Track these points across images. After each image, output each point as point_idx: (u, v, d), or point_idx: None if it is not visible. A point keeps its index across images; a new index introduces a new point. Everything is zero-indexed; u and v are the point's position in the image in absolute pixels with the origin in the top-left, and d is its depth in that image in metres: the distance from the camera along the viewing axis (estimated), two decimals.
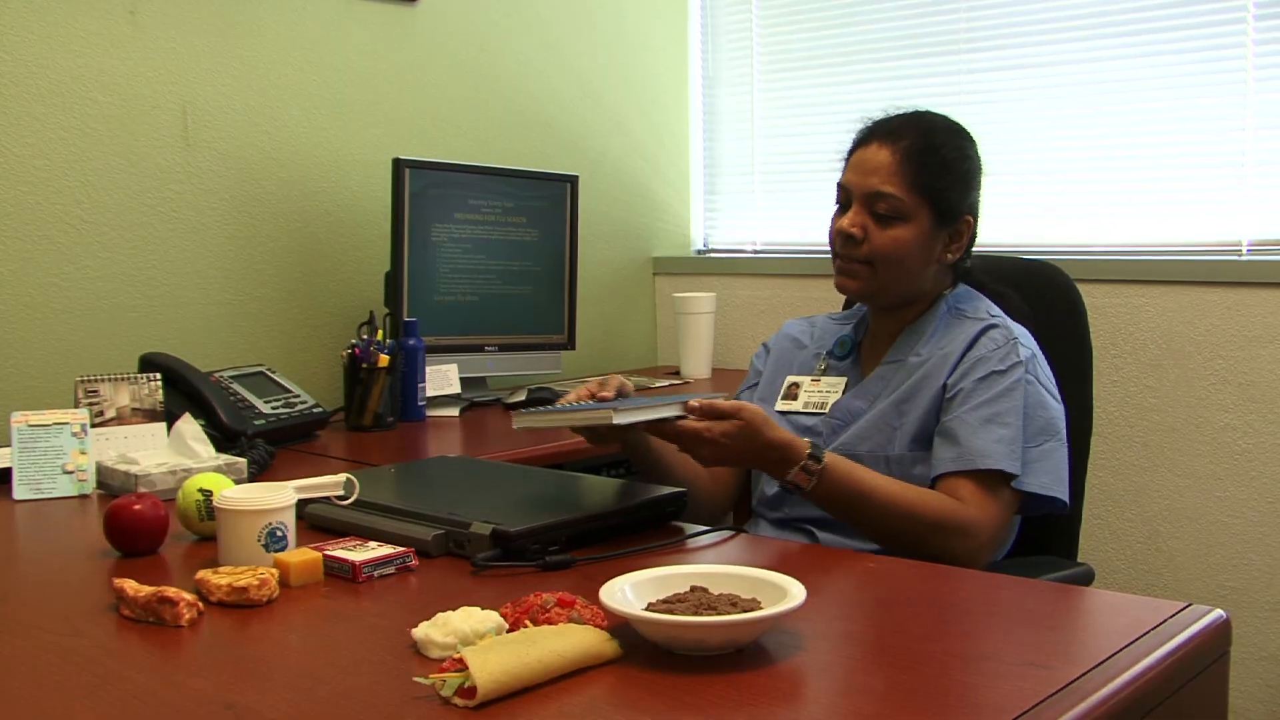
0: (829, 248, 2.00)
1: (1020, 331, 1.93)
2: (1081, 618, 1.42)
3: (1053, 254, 3.00)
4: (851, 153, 1.99)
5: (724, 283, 3.67)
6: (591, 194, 3.40)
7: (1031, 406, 1.85)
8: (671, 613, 1.20)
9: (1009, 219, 3.22)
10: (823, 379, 2.06)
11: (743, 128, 3.83)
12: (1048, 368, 1.93)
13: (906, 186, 1.91)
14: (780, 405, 2.07)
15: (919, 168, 1.92)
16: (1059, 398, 1.91)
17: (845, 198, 1.98)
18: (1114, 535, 3.00)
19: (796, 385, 2.08)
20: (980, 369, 1.87)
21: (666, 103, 3.85)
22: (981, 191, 2.01)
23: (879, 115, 2.01)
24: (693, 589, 1.27)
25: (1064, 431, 1.89)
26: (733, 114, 3.86)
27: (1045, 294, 2.17)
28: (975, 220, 1.99)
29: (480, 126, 3.28)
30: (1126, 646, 1.22)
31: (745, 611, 1.20)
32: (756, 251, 3.78)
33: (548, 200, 3.13)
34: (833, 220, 1.99)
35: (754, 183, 3.81)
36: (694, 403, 1.73)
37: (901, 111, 2.00)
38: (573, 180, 3.18)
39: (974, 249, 2.03)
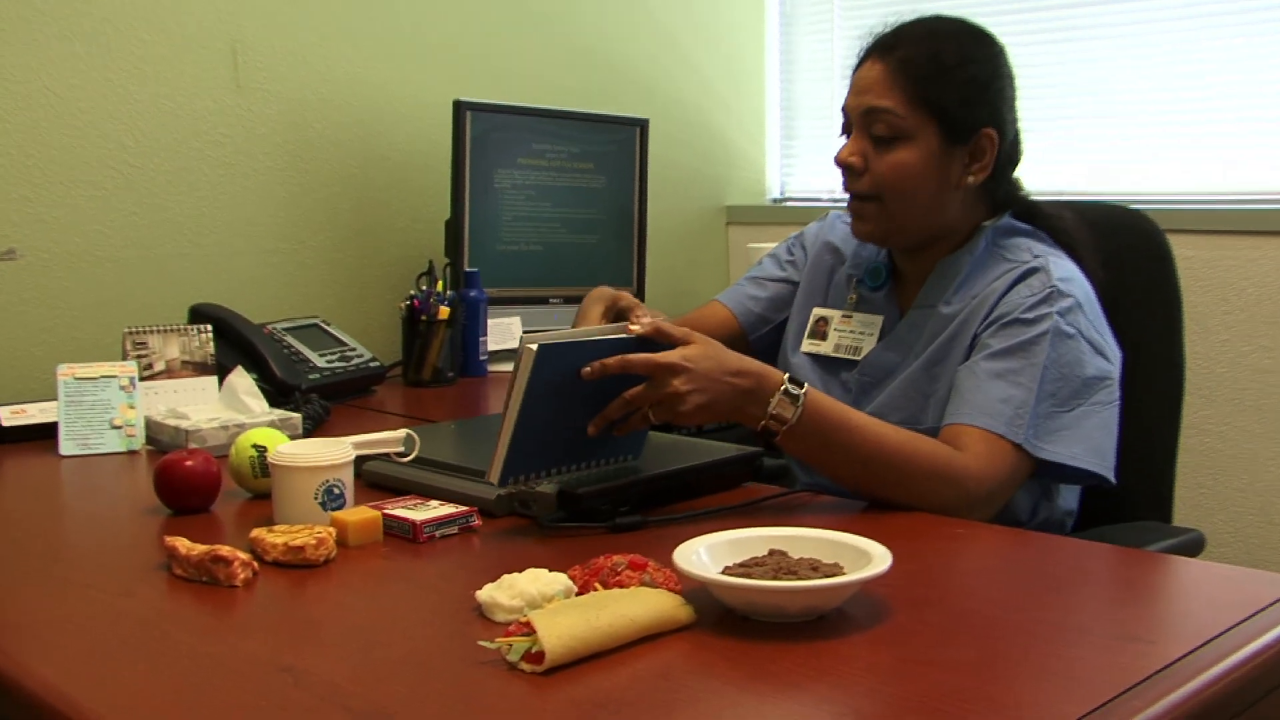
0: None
1: (1066, 275, 1.79)
2: (1187, 590, 1.41)
3: (1155, 204, 2.95)
4: (852, 74, 1.88)
5: None
6: (662, 138, 3.39)
7: (1065, 365, 1.72)
8: (749, 577, 1.20)
9: (1109, 166, 3.17)
10: (854, 316, 1.96)
11: (822, 69, 3.79)
12: (1100, 319, 1.80)
13: (903, 100, 1.79)
14: (807, 346, 1.99)
15: (915, 77, 1.79)
16: (1113, 354, 1.78)
17: (845, 127, 1.87)
18: (1222, 505, 2.97)
19: (825, 321, 1.98)
20: (1006, 317, 1.75)
21: (741, 42, 3.82)
22: (1011, 102, 1.87)
23: (879, 29, 1.87)
24: (771, 552, 1.27)
25: (1112, 394, 1.75)
26: (811, 54, 3.82)
27: (1125, 243, 2.07)
28: (1001, 134, 1.85)
29: (545, 67, 3.27)
30: (1238, 624, 1.20)
31: (827, 576, 1.20)
32: (835, 201, 3.75)
33: (616, 145, 3.12)
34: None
35: (833, 127, 3.76)
36: (637, 326, 1.59)
37: (902, 21, 1.87)
38: (642, 124, 3.17)
39: (1029, 187, 1.92)
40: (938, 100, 1.80)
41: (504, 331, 2.87)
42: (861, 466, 1.63)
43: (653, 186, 3.22)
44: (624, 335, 1.58)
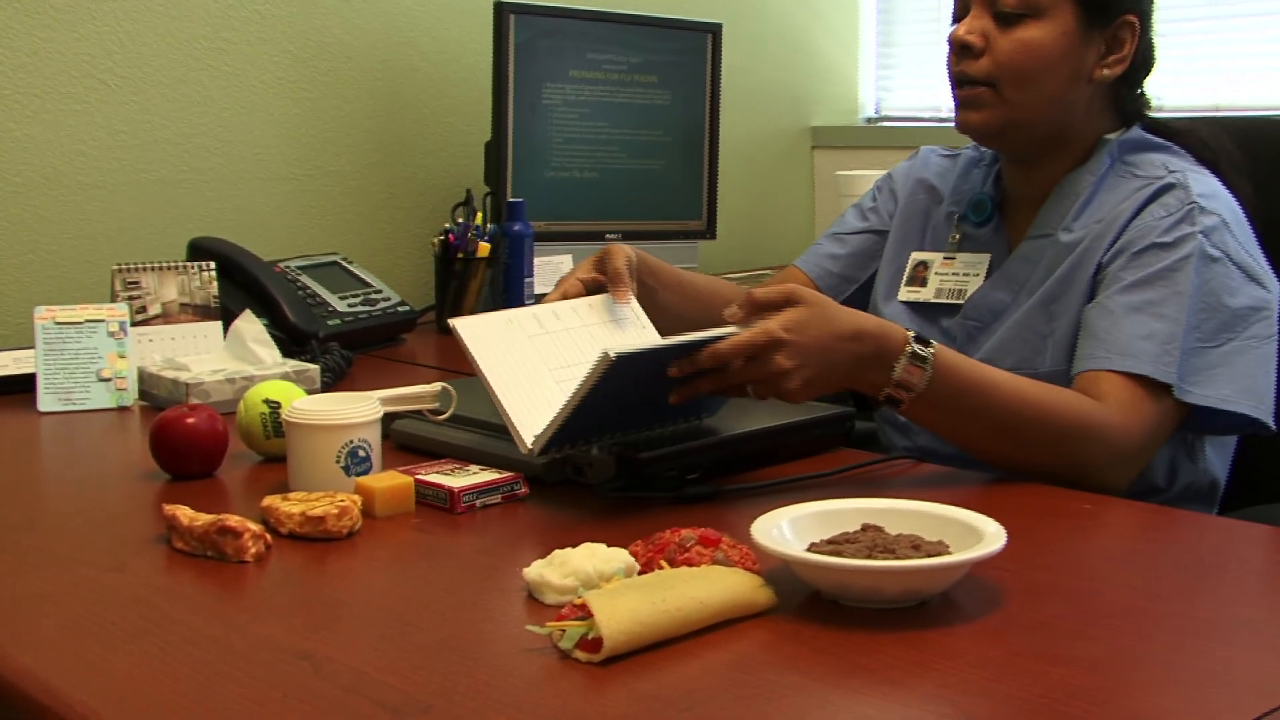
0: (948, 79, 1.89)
1: (1208, 191, 1.77)
2: None
3: None
4: None
5: (900, 160, 3.61)
6: (737, 47, 3.37)
7: (1210, 294, 1.71)
8: (840, 555, 1.20)
9: (1250, 75, 3.12)
10: (958, 257, 1.97)
11: None
12: (1252, 241, 1.78)
13: None
14: (904, 294, 2.00)
15: None
16: (1270, 281, 1.76)
17: (962, 7, 1.88)
18: None
19: (925, 266, 1.99)
20: (1140, 242, 1.75)
21: None
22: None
23: None
24: (865, 527, 1.28)
25: (1270, 327, 1.73)
26: None
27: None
28: (1143, 25, 1.85)
29: None
30: None
31: (930, 556, 1.20)
32: (942, 120, 3.73)
33: (684, 55, 3.11)
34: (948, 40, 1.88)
35: (941, 31, 3.73)
36: (733, 309, 1.57)
37: None
38: (714, 30, 3.16)
39: (1160, 104, 1.91)
40: None
41: (552, 271, 2.88)
42: (998, 430, 1.63)
43: (726, 103, 3.21)
44: (714, 335, 1.53)
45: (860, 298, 2.09)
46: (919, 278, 1.99)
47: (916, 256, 2.02)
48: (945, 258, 1.98)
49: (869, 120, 3.92)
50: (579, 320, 1.71)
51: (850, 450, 1.75)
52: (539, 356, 1.63)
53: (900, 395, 1.58)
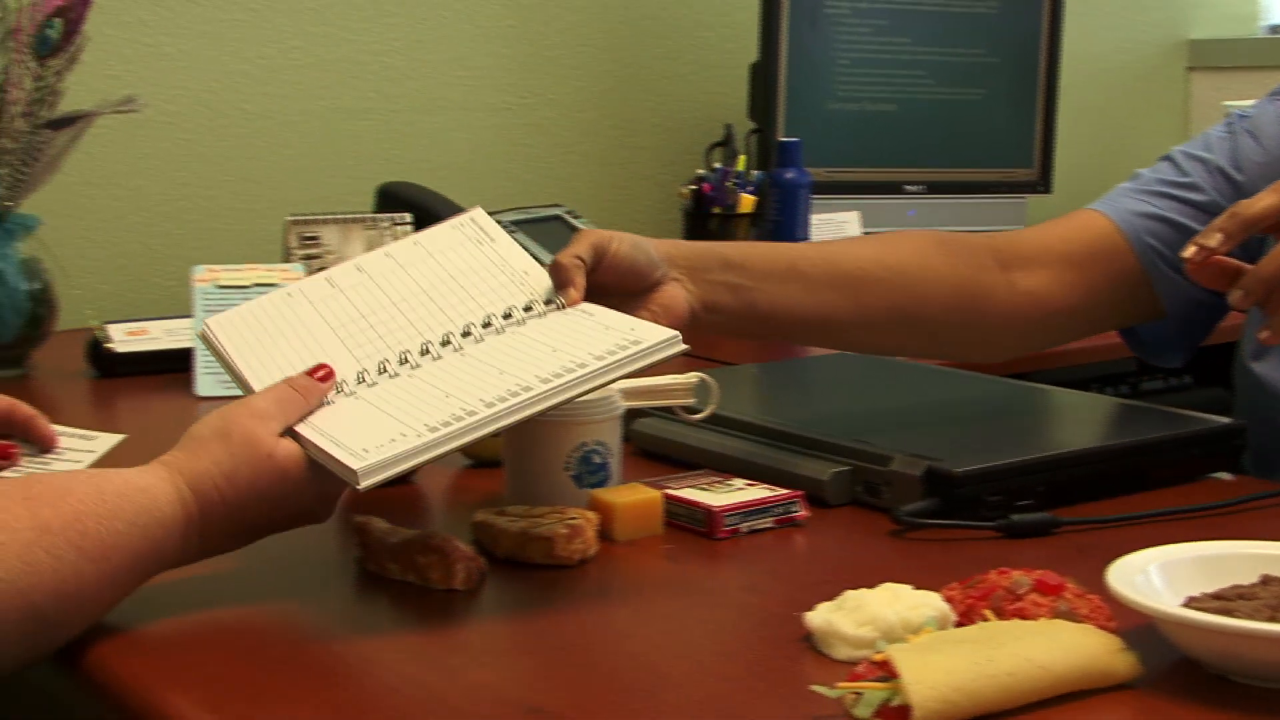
0: None
1: None
2: None
3: None
4: None
5: None
6: None
7: None
8: (1230, 614, 1.18)
9: None
10: None
11: None
12: None
13: None
14: None
15: None
16: None
17: None
18: None
19: None
20: None
21: None
22: None
23: None
24: (1266, 580, 1.25)
25: None
26: None
27: None
28: None
29: None
30: None
31: None
32: None
33: None
34: None
35: None
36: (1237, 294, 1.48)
37: None
38: None
39: None
40: None
41: (835, 231, 2.88)
42: None
43: (1071, 11, 3.17)
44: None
45: (1197, 315, 1.89)
46: None
47: None
48: None
49: (1272, 29, 3.83)
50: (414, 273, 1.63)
51: (1242, 477, 1.72)
52: (325, 321, 1.55)
53: None
